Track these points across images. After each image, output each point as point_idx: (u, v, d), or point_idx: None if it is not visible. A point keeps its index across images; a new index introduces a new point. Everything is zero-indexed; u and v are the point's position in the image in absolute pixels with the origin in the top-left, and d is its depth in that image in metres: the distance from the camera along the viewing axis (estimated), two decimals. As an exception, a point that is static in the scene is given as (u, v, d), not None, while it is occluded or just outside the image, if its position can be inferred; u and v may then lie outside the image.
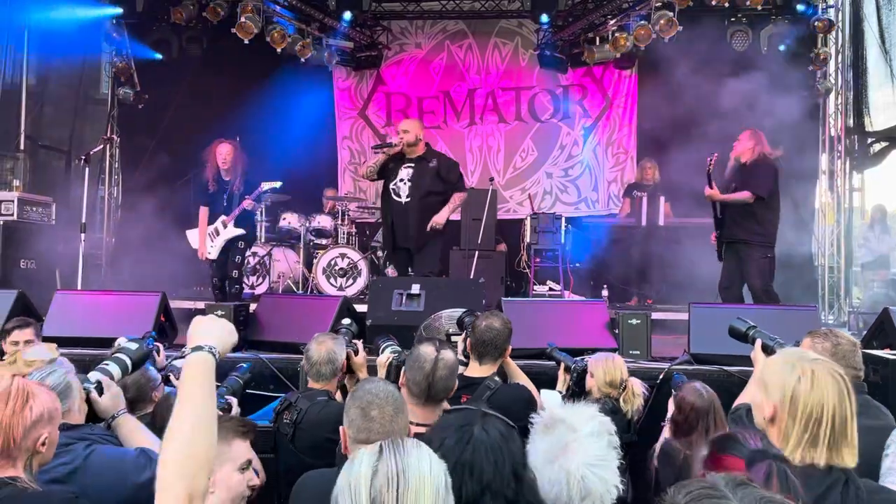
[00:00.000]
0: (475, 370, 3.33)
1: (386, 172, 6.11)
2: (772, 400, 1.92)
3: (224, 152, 6.58)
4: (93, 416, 2.45)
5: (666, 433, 3.33)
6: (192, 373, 1.58)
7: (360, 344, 3.51)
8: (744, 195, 5.96)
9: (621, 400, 3.37)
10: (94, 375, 2.49)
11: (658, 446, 3.24)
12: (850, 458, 1.87)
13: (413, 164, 6.01)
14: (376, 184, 10.06)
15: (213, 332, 1.67)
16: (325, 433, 2.77)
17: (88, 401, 2.42)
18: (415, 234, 5.97)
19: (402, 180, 5.98)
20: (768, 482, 1.51)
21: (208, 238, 6.64)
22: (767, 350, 2.92)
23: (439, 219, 5.99)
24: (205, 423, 1.51)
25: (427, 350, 2.65)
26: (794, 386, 1.88)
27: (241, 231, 6.65)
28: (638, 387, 3.39)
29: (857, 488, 1.81)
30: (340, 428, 2.22)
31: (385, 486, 1.32)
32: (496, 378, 3.28)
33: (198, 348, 1.61)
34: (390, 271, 6.43)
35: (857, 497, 1.81)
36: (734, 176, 6.11)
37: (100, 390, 2.44)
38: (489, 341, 3.30)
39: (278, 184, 6.82)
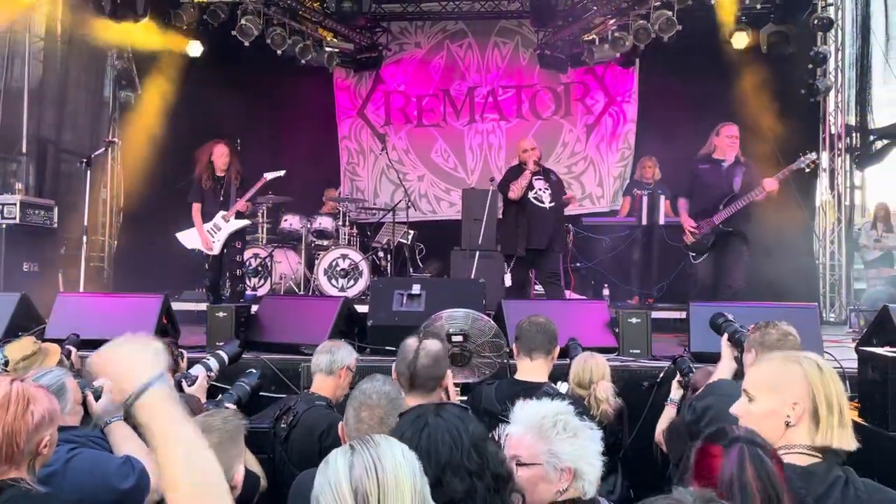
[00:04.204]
0: (527, 371, 3.25)
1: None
2: (792, 398, 1.91)
3: (222, 153, 6.65)
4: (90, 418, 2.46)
5: (670, 413, 3.46)
6: (156, 412, 1.33)
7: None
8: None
9: (586, 402, 3.31)
10: (101, 381, 2.49)
11: (665, 426, 3.31)
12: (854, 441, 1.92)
13: (542, 177, 6.74)
14: (375, 186, 10.23)
15: (139, 360, 1.38)
16: (315, 443, 2.76)
17: (85, 403, 2.43)
18: (553, 234, 6.70)
19: (541, 189, 6.67)
20: (742, 466, 1.50)
21: (208, 234, 6.66)
22: (731, 340, 3.13)
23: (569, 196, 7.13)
24: (202, 458, 1.32)
25: (410, 341, 2.75)
26: (811, 374, 1.92)
27: (244, 222, 6.71)
28: (602, 393, 3.31)
29: (856, 488, 1.82)
30: (339, 424, 2.26)
31: (364, 476, 1.35)
32: (552, 384, 3.21)
33: (145, 387, 1.34)
34: (508, 277, 6.75)
35: (857, 496, 1.82)
36: (743, 173, 6.07)
37: (98, 395, 2.44)
38: (530, 335, 3.26)
39: (282, 172, 6.84)
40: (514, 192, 6.60)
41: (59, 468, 2.10)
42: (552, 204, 6.66)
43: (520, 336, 3.33)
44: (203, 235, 6.66)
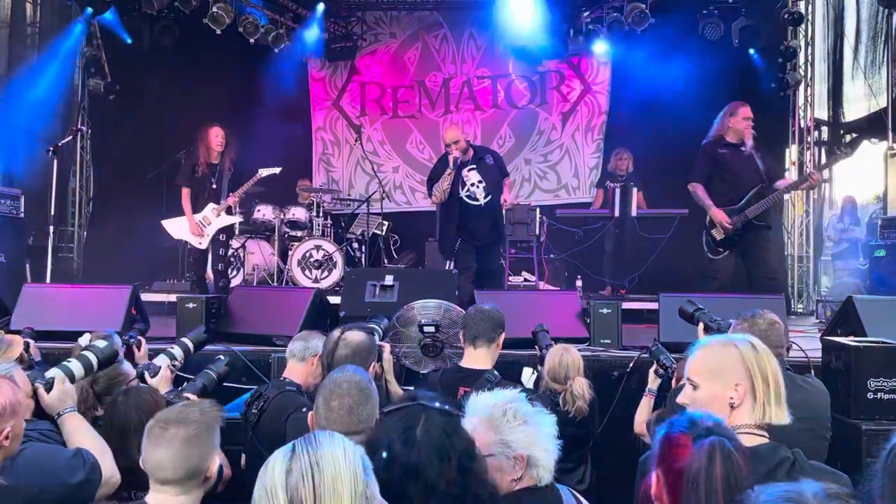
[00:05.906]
0: (471, 359, 3.28)
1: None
2: (734, 380, 1.98)
3: (217, 134, 6.42)
4: (42, 412, 2.40)
5: (648, 404, 3.43)
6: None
7: (386, 347, 3.38)
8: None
9: (561, 399, 3.31)
10: (52, 372, 2.44)
11: (645, 417, 3.32)
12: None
13: (474, 166, 6.00)
14: (350, 177, 10.16)
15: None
16: (282, 425, 2.76)
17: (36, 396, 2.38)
18: (496, 230, 6.10)
19: (473, 184, 5.94)
20: (712, 460, 1.54)
21: (197, 228, 6.45)
22: (709, 330, 3.14)
23: (511, 200, 6.23)
24: None
25: (334, 332, 2.83)
26: (746, 355, 1.99)
27: (235, 218, 6.54)
28: (579, 389, 3.31)
29: (802, 469, 1.86)
30: (309, 414, 2.25)
31: (300, 482, 1.33)
32: (496, 371, 3.24)
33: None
34: (450, 264, 6.18)
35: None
36: (762, 159, 5.72)
37: (49, 387, 2.39)
38: (474, 322, 3.29)
39: (277, 169, 6.70)
40: (436, 197, 5.90)
41: (6, 462, 2.05)
42: (488, 198, 5.93)
43: (465, 324, 3.37)
44: (193, 225, 6.42)
